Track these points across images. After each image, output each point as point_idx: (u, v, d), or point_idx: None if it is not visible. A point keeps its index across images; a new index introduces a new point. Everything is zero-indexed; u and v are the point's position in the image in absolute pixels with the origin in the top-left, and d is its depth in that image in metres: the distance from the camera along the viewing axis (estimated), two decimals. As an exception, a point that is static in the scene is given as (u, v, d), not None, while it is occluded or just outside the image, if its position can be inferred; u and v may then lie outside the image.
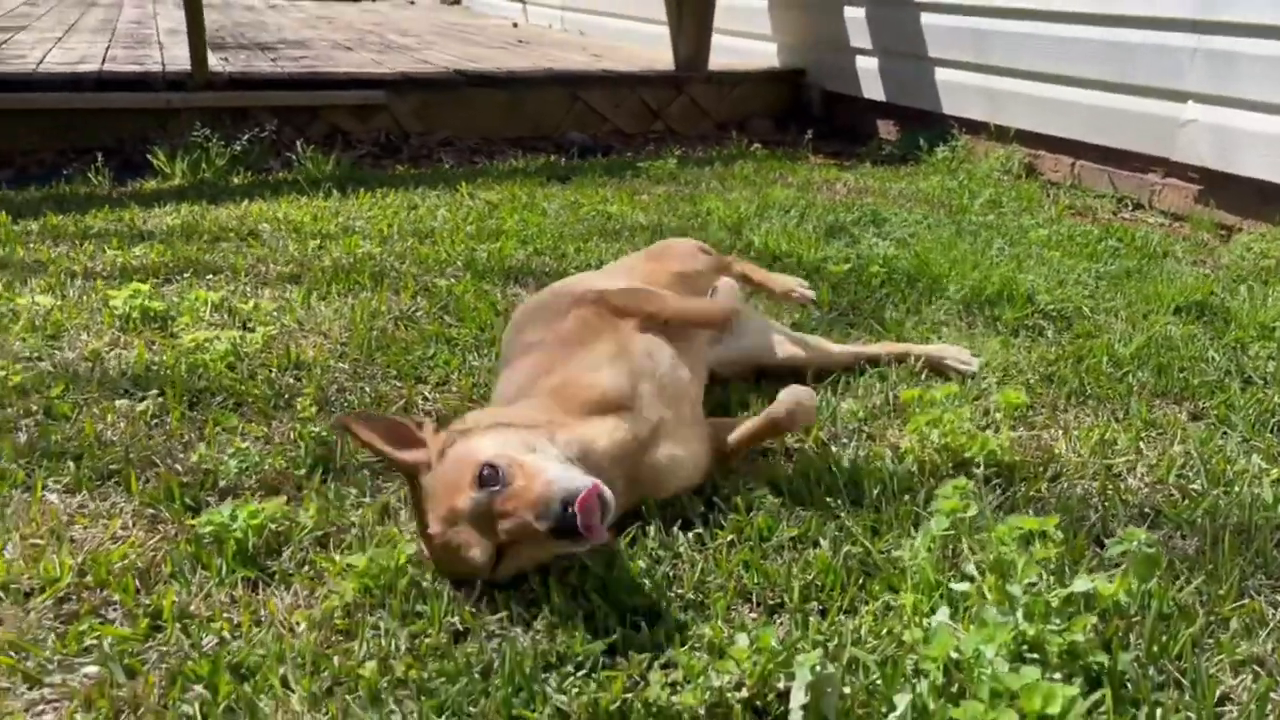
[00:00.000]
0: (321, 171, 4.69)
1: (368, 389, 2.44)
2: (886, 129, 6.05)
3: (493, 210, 4.11)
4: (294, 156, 4.86)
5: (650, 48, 7.42)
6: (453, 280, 3.21)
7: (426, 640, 1.54)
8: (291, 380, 2.47)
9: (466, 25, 9.89)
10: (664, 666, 1.49)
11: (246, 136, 4.88)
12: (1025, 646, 1.43)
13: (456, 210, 4.10)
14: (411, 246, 3.57)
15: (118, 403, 2.30)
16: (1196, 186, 4.40)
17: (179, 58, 5.71)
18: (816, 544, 1.79)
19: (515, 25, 10.21)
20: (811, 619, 1.59)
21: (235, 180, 4.57)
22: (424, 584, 1.66)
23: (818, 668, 1.32)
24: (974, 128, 5.39)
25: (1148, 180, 4.63)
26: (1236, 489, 2.07)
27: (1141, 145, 4.59)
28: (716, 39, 6.54)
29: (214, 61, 5.74)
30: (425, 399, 2.42)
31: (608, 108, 6.16)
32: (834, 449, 2.19)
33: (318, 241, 3.59)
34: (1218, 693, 1.47)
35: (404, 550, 1.70)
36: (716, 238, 3.72)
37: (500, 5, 11.30)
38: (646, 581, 1.67)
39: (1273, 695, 1.47)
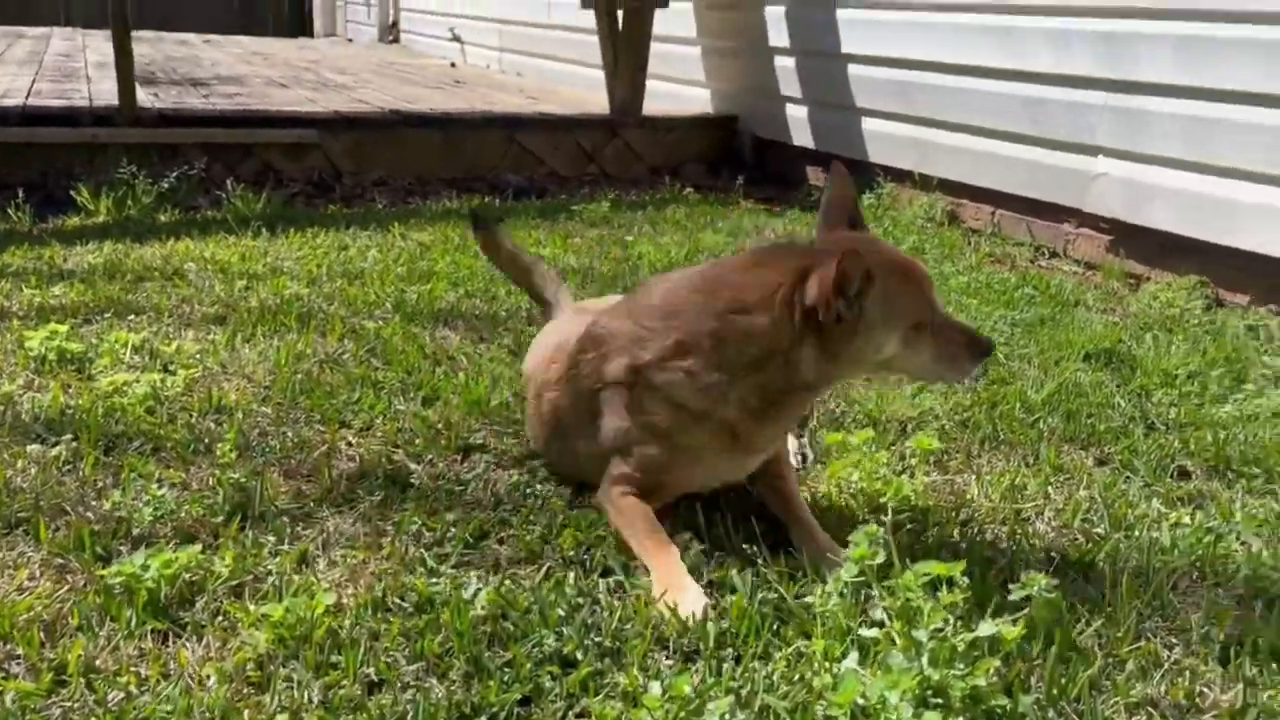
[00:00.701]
0: (251, 210, 4.65)
1: (290, 433, 2.43)
2: (816, 175, 6.18)
3: (425, 251, 4.12)
4: (224, 195, 4.81)
5: (587, 91, 7.50)
6: (381, 322, 3.20)
7: (340, 692, 1.53)
8: (212, 425, 2.45)
9: (404, 65, 9.91)
10: (579, 716, 1.51)
11: (175, 174, 4.83)
12: (930, 691, 1.47)
13: (388, 251, 4.10)
14: (340, 288, 3.56)
15: (29, 448, 2.26)
16: (1108, 237, 4.57)
17: (107, 92, 5.64)
18: (733, 590, 1.82)
19: (453, 65, 10.26)
20: (725, 665, 1.62)
21: (162, 218, 4.52)
22: (340, 633, 1.65)
23: (727, 715, 1.35)
24: (899, 176, 5.54)
25: (1063, 230, 4.80)
26: (1137, 533, 2.15)
27: (1057, 196, 4.76)
28: (652, 84, 6.64)
29: (144, 97, 5.69)
30: (349, 444, 2.41)
31: (544, 150, 6.21)
32: (752, 493, 2.22)
33: (245, 282, 3.56)
34: (1113, 734, 1.53)
35: (322, 599, 1.69)
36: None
37: (439, 45, 11.35)
38: (564, 629, 1.68)
39: (1164, 735, 1.53)
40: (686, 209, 5.29)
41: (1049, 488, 2.36)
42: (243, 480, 2.14)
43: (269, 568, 1.86)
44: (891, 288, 1.87)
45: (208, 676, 1.56)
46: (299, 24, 17.18)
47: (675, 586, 1.78)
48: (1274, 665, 1.72)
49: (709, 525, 2.04)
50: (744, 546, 1.97)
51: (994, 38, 4.89)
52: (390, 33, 13.13)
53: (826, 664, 1.57)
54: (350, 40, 14.21)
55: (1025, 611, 1.71)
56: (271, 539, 1.96)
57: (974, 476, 2.40)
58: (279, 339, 3.03)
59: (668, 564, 1.85)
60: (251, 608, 1.72)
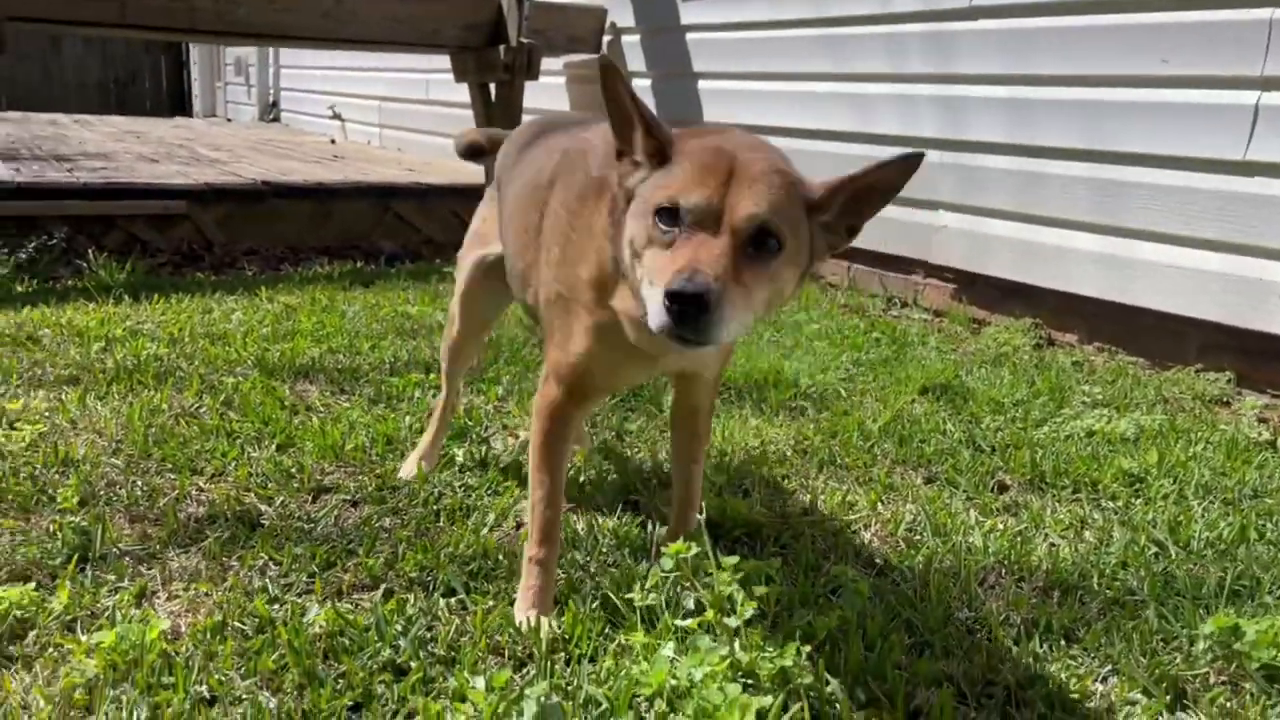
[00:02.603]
0: (114, 279, 4.61)
1: (139, 482, 2.42)
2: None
3: (290, 313, 4.14)
4: (85, 265, 4.76)
5: (465, 161, 7.63)
6: (241, 378, 3.22)
7: (169, 710, 1.55)
8: (56, 476, 2.43)
9: (283, 141, 9.92)
10: (408, 717, 1.56)
11: (34, 245, 4.75)
12: (739, 672, 1.57)
13: (253, 313, 4.11)
14: (202, 348, 3.56)
15: None
16: (952, 285, 4.87)
17: (-36, 167, 5.54)
18: (568, 600, 1.90)
19: (333, 141, 10.31)
20: (556, 666, 1.69)
21: (18, 288, 4.43)
22: (175, 657, 1.67)
23: (544, 699, 1.42)
24: (762, 236, 5.79)
25: (912, 280, 5.09)
26: (955, 538, 2.31)
27: (906, 249, 5.06)
28: (525, 154, 6.82)
29: (4, 172, 5.61)
30: (200, 489, 2.42)
31: (418, 218, 6.30)
32: (599, 519, 2.32)
33: (102, 344, 3.53)
34: (911, 706, 1.65)
35: (156, 625, 1.71)
36: (511, 334, 3.87)
37: (320, 123, 11.41)
38: (400, 642, 1.74)
39: (957, 705, 1.66)
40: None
41: (879, 504, 2.51)
42: (84, 524, 2.14)
43: (106, 604, 1.87)
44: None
45: (35, 701, 1.56)
46: (179, 105, 17.06)
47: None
48: (1063, 642, 1.88)
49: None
50: (578, 559, 2.05)
51: (845, 103, 5.23)
52: (271, 111, 13.14)
53: (646, 654, 1.65)
54: (229, 120, 14.14)
55: (838, 602, 1.84)
56: (111, 577, 1.96)
57: (808, 495, 2.54)
58: (134, 396, 3.02)
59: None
60: (84, 639, 1.72)
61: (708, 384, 2.03)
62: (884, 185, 1.57)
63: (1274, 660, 1.78)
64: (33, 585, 1.86)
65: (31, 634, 1.75)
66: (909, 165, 1.54)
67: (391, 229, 6.19)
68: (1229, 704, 1.72)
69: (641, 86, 6.57)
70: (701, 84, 6.12)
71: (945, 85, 4.73)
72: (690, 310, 1.36)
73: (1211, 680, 1.79)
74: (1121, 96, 4.00)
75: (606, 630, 1.81)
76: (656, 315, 1.41)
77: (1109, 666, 1.81)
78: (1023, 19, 4.35)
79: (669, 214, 1.48)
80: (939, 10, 4.70)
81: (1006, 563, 2.20)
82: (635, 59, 6.63)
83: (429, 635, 1.79)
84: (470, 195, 6.50)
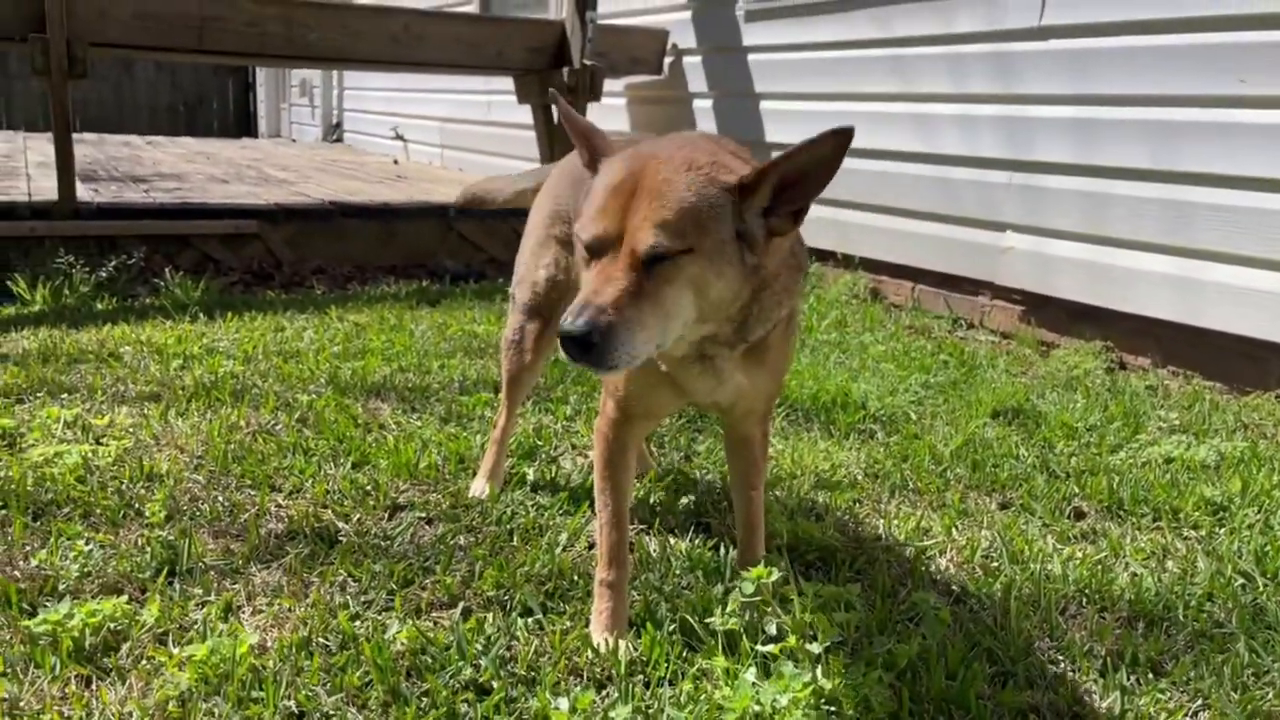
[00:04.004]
0: (189, 297, 4.73)
1: (221, 498, 2.48)
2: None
3: (360, 331, 4.21)
4: (162, 283, 4.89)
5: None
6: (314, 395, 3.28)
7: (260, 723, 1.58)
8: (143, 491, 2.49)
9: (347, 161, 10.12)
10: (492, 737, 1.57)
11: (113, 263, 4.90)
12: (823, 700, 1.56)
13: (324, 332, 4.18)
14: (275, 365, 3.63)
15: (-43, 515, 2.29)
16: (1020, 307, 4.81)
17: (46, 189, 5.72)
18: (646, 623, 1.90)
19: (396, 162, 10.49)
20: (635, 689, 1.70)
21: (99, 306, 4.57)
22: (263, 671, 1.70)
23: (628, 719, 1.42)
24: (823, 256, 5.78)
25: (978, 302, 5.03)
26: (1033, 566, 2.27)
27: (971, 270, 5.01)
28: (586, 175, 6.88)
29: (84, 192, 5.78)
30: (278, 505, 2.47)
31: (481, 237, 6.38)
32: (671, 541, 2.32)
33: (180, 361, 3.62)
34: (997, 737, 1.62)
35: (245, 639, 1.74)
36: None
37: (382, 144, 11.61)
38: (481, 661, 1.75)
39: (1045, 737, 1.63)
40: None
41: (953, 529, 2.48)
42: (171, 539, 2.19)
43: (194, 617, 1.91)
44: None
45: (130, 713, 1.60)
46: (245, 127, 17.50)
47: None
48: (1150, 675, 1.84)
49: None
50: (655, 584, 2.06)
51: (908, 124, 5.20)
52: (334, 132, 13.40)
53: (727, 679, 1.65)
54: (294, 140, 14.45)
55: (918, 629, 1.82)
56: (198, 591, 2.01)
57: (882, 520, 2.52)
58: (212, 413, 3.09)
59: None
60: (175, 651, 1.76)
61: (754, 414, 2.01)
62: (819, 164, 1.56)
63: (1373, 698, 1.73)
64: (125, 598, 1.90)
65: (125, 646, 1.79)
66: (841, 141, 1.53)
67: (455, 248, 6.28)
68: (1327, 743, 1.67)
69: (703, 107, 6.60)
70: (764, 104, 6.12)
71: (1010, 105, 4.68)
72: (577, 349, 1.44)
73: (1307, 717, 1.74)
74: (1193, 117, 3.94)
75: (685, 654, 1.80)
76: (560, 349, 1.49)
77: (1199, 701, 1.77)
78: (1091, 39, 4.31)
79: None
80: (1004, 30, 4.66)
81: (1087, 592, 2.16)
82: (697, 80, 6.66)
83: (509, 654, 1.80)
84: (528, 216, 6.57)
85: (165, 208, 5.67)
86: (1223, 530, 2.52)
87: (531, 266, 2.42)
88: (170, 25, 5.41)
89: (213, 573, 2.09)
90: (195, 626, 1.87)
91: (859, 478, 2.79)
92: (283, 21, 5.80)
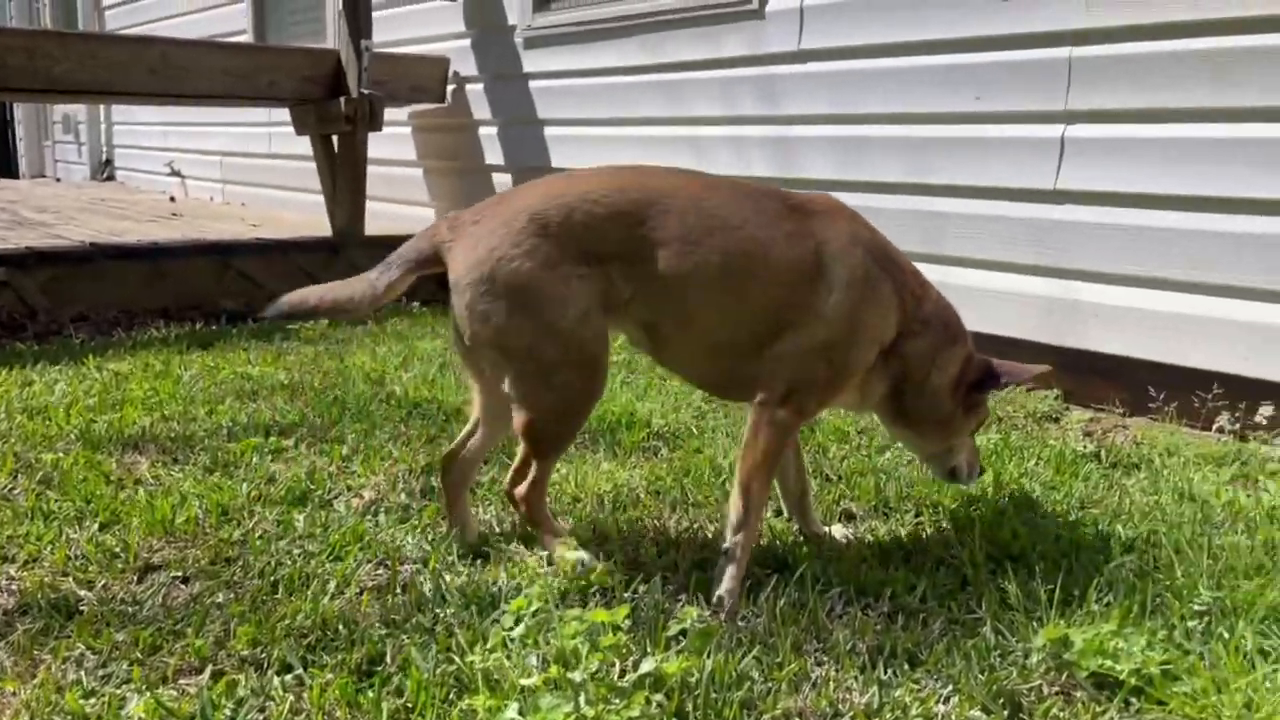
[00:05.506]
0: (-79, 354, 4.29)
1: (-61, 576, 2.24)
2: (540, 283, 6.40)
3: (121, 381, 3.92)
4: (-112, 340, 4.42)
5: (310, 215, 7.46)
6: (61, 454, 3.02)
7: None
8: None
9: (117, 200, 9.49)
10: (235, 809, 1.46)
11: None
12: (585, 728, 1.54)
13: (79, 384, 3.87)
14: (19, 424, 3.33)
15: None
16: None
17: None
18: (409, 668, 1.83)
19: (173, 199, 9.92)
20: (397, 738, 1.63)
21: None
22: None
23: (376, 776, 1.35)
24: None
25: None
26: (800, 569, 2.33)
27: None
28: (378, 206, 6.71)
29: None
30: (9, 578, 2.25)
31: (262, 274, 6.09)
32: (447, 578, 2.25)
33: (-99, 427, 3.27)
34: (761, 745, 1.64)
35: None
36: (358, 390, 3.76)
37: (158, 180, 10.96)
38: (228, 728, 1.64)
39: (806, 739, 1.67)
40: (410, 320, 5.34)
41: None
42: (-128, 627, 1.95)
43: (-105, 714, 1.70)
44: None
45: None
46: (4, 167, 16.14)
47: None
48: (907, 666, 1.92)
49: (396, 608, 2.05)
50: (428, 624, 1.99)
51: (683, 146, 5.33)
52: (105, 170, 12.56)
53: (490, 717, 1.60)
54: (58, 179, 13.47)
55: (684, 645, 1.83)
56: (-99, 684, 1.79)
57: (661, 535, 2.53)
58: (-65, 481, 2.80)
59: None
60: None
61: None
62: None
63: (1101, 668, 1.86)
64: None
65: None
66: None
67: (233, 287, 5.97)
68: (1061, 714, 1.78)
69: (489, 134, 6.57)
70: (547, 130, 6.15)
71: (776, 126, 4.87)
72: None
73: (1045, 691, 1.85)
74: (940, 133, 4.21)
75: (450, 695, 1.75)
76: None
77: (950, 686, 1.85)
78: (845, 61, 4.55)
79: None
80: (767, 54, 4.85)
81: (851, 589, 2.23)
82: (481, 107, 6.63)
83: (262, 717, 1.70)
84: (314, 249, 6.34)
85: (-107, 257, 5.14)
86: (976, 520, 2.67)
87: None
88: (-111, 57, 4.93)
89: (-76, 661, 1.87)
90: (-105, 725, 1.67)
91: (641, 496, 2.80)
92: (24, 53, 5.38)
